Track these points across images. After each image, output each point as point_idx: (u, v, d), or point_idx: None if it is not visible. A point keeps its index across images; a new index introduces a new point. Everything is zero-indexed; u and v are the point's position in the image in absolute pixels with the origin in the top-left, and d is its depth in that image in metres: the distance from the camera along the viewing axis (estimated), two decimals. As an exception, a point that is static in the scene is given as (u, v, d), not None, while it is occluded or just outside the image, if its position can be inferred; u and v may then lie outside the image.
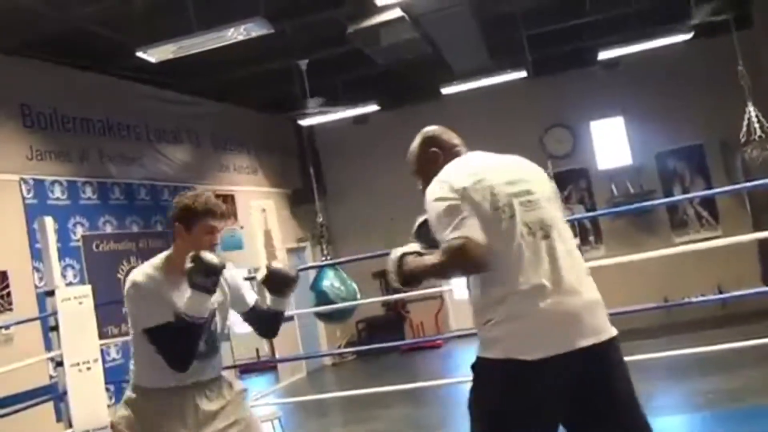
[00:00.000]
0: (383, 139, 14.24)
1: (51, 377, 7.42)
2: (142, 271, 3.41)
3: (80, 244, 8.70)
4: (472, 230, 2.75)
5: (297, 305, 12.81)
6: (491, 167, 3.00)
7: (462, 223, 2.77)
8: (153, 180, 10.19)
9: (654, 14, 10.66)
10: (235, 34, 7.45)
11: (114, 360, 8.73)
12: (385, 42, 9.28)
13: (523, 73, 11.44)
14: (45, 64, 8.53)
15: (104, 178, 9.29)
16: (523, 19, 10.31)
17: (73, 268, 8.43)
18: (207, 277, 3.25)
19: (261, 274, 3.68)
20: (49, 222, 6.42)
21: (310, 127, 13.42)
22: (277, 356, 12.81)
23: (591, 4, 10.02)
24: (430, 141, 3.35)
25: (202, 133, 11.52)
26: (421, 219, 3.30)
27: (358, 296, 8.52)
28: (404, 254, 3.10)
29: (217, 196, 11.00)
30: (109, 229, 9.21)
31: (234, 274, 3.68)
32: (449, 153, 3.27)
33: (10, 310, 7.60)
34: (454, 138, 3.38)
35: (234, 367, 11.39)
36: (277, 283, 3.63)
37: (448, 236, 2.76)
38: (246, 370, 13.23)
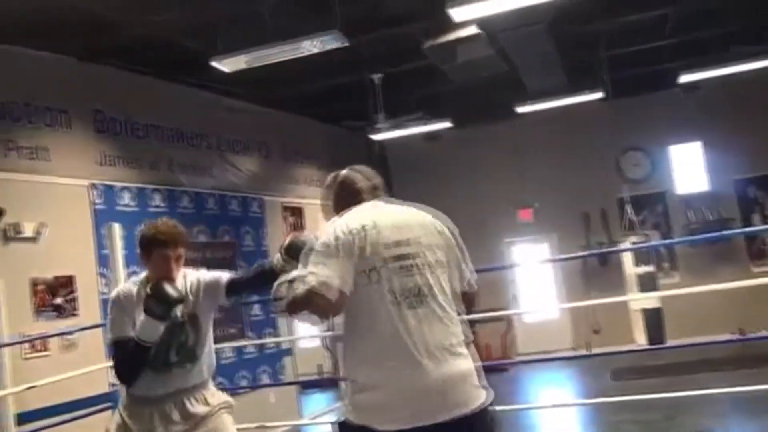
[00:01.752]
0: (454, 156, 14.29)
1: (111, 385, 7.36)
2: (122, 287, 3.83)
3: None
4: (337, 282, 2.77)
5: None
6: (379, 224, 2.91)
7: (328, 269, 2.78)
8: (221, 190, 10.20)
9: (737, 37, 10.42)
10: (310, 46, 7.46)
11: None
12: (461, 58, 9.27)
13: (601, 95, 11.31)
14: (119, 70, 8.59)
15: (173, 186, 9.32)
16: (603, 39, 10.18)
17: (138, 275, 8.42)
18: (159, 305, 3.46)
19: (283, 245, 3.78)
20: (117, 228, 6.40)
21: (382, 143, 13.40)
22: (341, 373, 12.68)
23: (673, 25, 9.82)
24: (343, 183, 3.31)
25: (272, 144, 11.51)
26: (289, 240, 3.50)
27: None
28: (284, 282, 3.03)
29: (285, 207, 11.01)
30: (177, 238, 9.19)
31: (200, 276, 3.86)
32: (354, 198, 3.19)
33: (76, 315, 7.62)
34: (362, 182, 3.28)
35: (296, 383, 11.37)
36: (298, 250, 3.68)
37: (302, 271, 2.82)
38: (307, 386, 13.13)
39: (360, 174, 3.33)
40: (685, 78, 11.04)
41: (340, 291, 2.75)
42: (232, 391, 9.44)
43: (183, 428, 3.64)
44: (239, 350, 9.79)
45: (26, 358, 7.07)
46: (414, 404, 2.69)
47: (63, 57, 7.92)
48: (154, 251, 3.66)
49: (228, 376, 9.55)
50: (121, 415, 3.69)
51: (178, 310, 3.62)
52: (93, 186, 8.13)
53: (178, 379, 3.66)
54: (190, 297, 3.73)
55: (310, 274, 2.77)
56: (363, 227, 2.88)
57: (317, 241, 3.31)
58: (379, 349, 2.76)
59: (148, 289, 3.53)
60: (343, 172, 3.36)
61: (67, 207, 7.83)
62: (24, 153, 7.43)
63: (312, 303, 2.76)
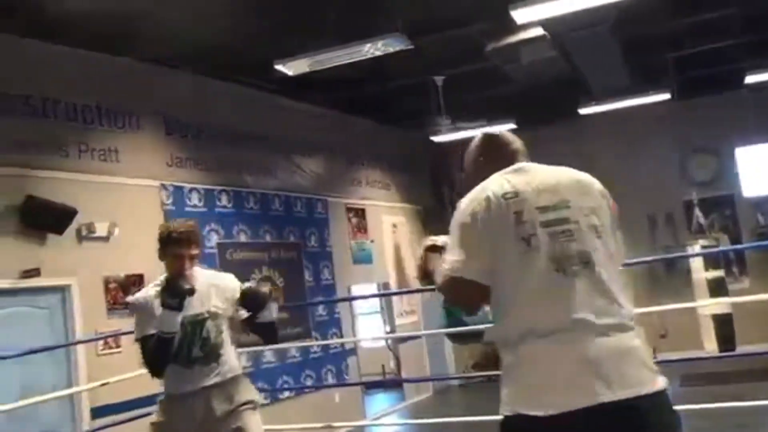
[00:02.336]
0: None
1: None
2: (140, 292, 4.07)
3: (215, 251, 8.92)
4: (471, 266, 2.52)
5: (426, 324, 12.85)
6: (531, 186, 2.61)
7: (465, 254, 2.53)
8: (286, 191, 10.37)
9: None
10: (372, 48, 7.53)
11: (245, 368, 8.86)
12: (525, 60, 9.27)
13: (666, 96, 11.24)
14: (187, 74, 8.80)
15: (240, 188, 9.51)
16: (668, 40, 10.10)
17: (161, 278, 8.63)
18: (173, 298, 3.68)
19: (236, 295, 4.05)
20: None
21: (444, 144, 13.39)
22: (403, 374, 12.85)
23: (740, 25, 9.73)
24: (495, 144, 2.96)
25: (336, 146, 11.65)
26: None
27: (490, 317, 8.41)
28: (430, 247, 2.91)
29: (349, 209, 11.13)
30: (243, 238, 9.39)
31: (236, 287, 4.07)
32: (508, 162, 2.82)
33: None
34: (510, 144, 2.93)
35: (360, 384, 11.47)
36: (251, 303, 3.97)
37: (446, 260, 2.59)
38: (371, 386, 13.25)
39: (510, 135, 2.98)
40: (751, 78, 10.91)
41: (474, 278, 2.53)
42: (298, 390, 9.62)
43: (207, 425, 3.84)
44: (305, 350, 9.92)
45: (99, 355, 7.32)
46: (572, 384, 2.34)
47: (133, 61, 8.17)
48: (168, 249, 3.92)
49: (294, 376, 9.70)
50: (157, 412, 3.99)
51: (201, 308, 3.88)
52: (163, 186, 8.37)
53: (203, 376, 3.86)
54: (214, 297, 3.95)
55: (448, 268, 2.56)
56: (515, 190, 2.57)
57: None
58: (535, 320, 2.44)
59: (162, 285, 3.79)
60: (493, 131, 3.04)
61: (138, 207, 8.05)
62: (96, 155, 7.69)
63: (453, 294, 2.63)
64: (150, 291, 3.95)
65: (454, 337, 9.23)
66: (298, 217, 10.47)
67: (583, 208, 2.59)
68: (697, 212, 12.20)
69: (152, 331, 3.75)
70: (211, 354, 3.90)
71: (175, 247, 3.88)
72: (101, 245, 7.57)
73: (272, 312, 3.98)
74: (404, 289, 12.65)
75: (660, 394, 2.37)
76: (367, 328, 14.40)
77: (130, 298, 4.06)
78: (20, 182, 6.95)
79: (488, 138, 2.97)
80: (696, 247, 12.24)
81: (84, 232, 7.40)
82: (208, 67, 8.91)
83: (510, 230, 2.50)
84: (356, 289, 11.78)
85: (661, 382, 2.38)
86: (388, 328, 13.50)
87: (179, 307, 3.70)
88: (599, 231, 2.56)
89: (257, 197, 9.76)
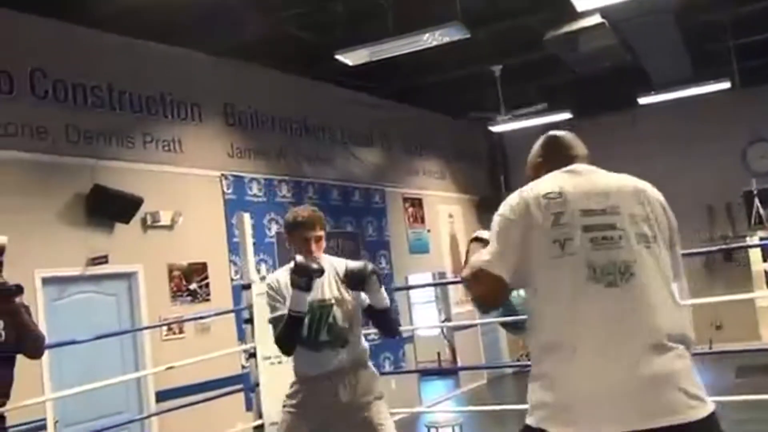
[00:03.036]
0: (575, 148, 14.12)
1: (243, 367, 7.73)
2: (272, 274, 4.18)
3: (274, 240, 9.06)
4: (501, 261, 2.43)
5: (480, 314, 12.90)
6: (579, 188, 2.51)
7: (499, 249, 2.46)
8: (344, 181, 10.51)
9: None
10: (431, 38, 7.57)
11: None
12: (584, 48, 9.24)
13: (727, 84, 11.06)
14: (247, 64, 8.95)
15: (299, 177, 9.67)
16: (731, 27, 10.01)
17: (266, 263, 8.79)
18: (301, 278, 3.75)
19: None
20: (246, 217, 6.66)
21: (501, 135, 13.45)
22: (459, 362, 12.95)
23: (804, 11, 9.59)
24: (556, 145, 2.89)
25: (393, 136, 11.77)
26: None
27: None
28: (475, 239, 2.83)
29: (405, 199, 11.21)
30: (301, 228, 9.49)
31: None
32: (555, 163, 2.73)
33: (208, 300, 8.04)
34: (570, 148, 2.84)
35: (416, 371, 11.59)
36: (352, 279, 3.93)
37: (481, 253, 2.51)
38: (427, 373, 13.38)
39: (573, 139, 2.91)
40: None
41: (501, 274, 2.42)
42: None
43: (333, 410, 3.92)
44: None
45: (164, 340, 7.56)
46: (598, 409, 2.22)
47: (195, 52, 8.35)
48: (295, 233, 4.04)
49: None
50: (289, 393, 4.07)
51: (329, 294, 3.97)
52: (224, 176, 8.56)
53: (330, 360, 3.93)
54: (336, 282, 4.04)
55: (479, 260, 2.49)
56: (561, 191, 2.48)
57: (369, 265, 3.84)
58: (564, 332, 2.33)
59: (292, 267, 3.86)
60: (557, 133, 2.94)
61: (200, 196, 8.26)
62: (160, 145, 7.90)
63: (473, 288, 2.55)
64: (281, 273, 4.08)
65: (508, 326, 9.23)
66: (355, 206, 10.63)
67: (635, 215, 2.45)
68: (757, 203, 12.17)
69: (282, 312, 3.88)
70: (338, 339, 3.98)
71: (301, 230, 4.00)
72: (165, 234, 7.78)
73: (381, 296, 3.98)
74: (460, 279, 12.64)
75: (700, 424, 2.20)
76: (424, 316, 14.52)
77: (266, 281, 4.17)
78: (88, 172, 7.15)
79: (550, 139, 2.90)
80: (755, 239, 12.20)
81: (149, 221, 7.60)
82: (268, 58, 9.03)
83: (546, 231, 2.41)
84: (413, 278, 11.89)
85: (701, 410, 2.22)
86: (443, 317, 13.60)
87: (307, 287, 3.80)
88: (649, 241, 2.42)
89: (316, 187, 9.92)
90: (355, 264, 3.96)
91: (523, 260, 2.41)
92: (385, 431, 3.95)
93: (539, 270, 2.39)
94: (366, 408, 3.97)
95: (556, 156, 2.76)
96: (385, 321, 4.10)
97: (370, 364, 4.14)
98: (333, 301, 4.00)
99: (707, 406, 2.23)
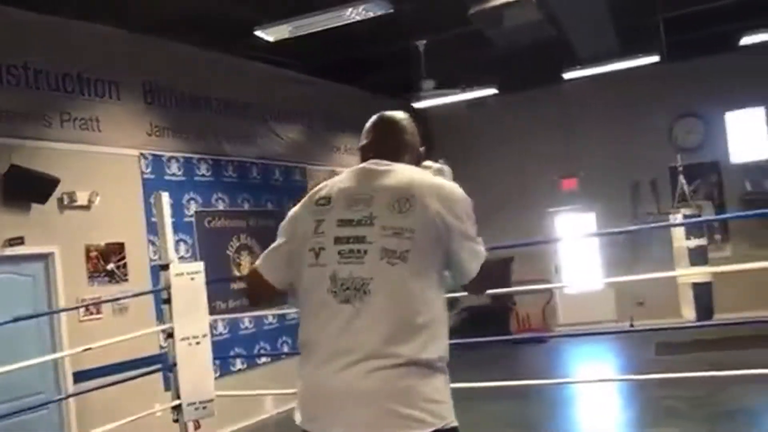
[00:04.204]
0: (499, 124, 14.63)
1: (161, 347, 8.20)
2: None
3: (193, 219, 9.46)
4: (268, 261, 2.80)
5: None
6: (346, 194, 2.70)
7: (272, 249, 2.81)
8: (265, 159, 10.88)
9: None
10: (354, 13, 7.95)
11: (221, 335, 9.56)
12: (508, 23, 9.42)
13: (656, 58, 11.32)
14: (167, 42, 9.25)
15: (219, 156, 10.03)
16: (659, 1, 10.16)
17: (185, 242, 9.24)
18: None
19: None
20: (165, 197, 7.08)
21: (425, 110, 13.53)
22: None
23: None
24: (363, 133, 3.03)
25: (315, 113, 12.16)
26: None
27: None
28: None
29: (328, 177, 11.51)
30: (221, 206, 9.95)
31: None
32: (364, 152, 2.95)
33: (126, 281, 8.45)
34: (368, 138, 2.98)
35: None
36: None
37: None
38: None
39: (368, 126, 3.01)
40: (747, 40, 10.97)
41: (268, 276, 2.79)
42: (251, 361, 10.11)
43: None
44: (259, 320, 10.32)
45: (82, 321, 7.96)
46: (310, 411, 2.57)
47: (114, 29, 8.62)
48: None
49: (247, 347, 10.14)
50: None
51: None
52: (142, 156, 8.92)
53: None
54: None
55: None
56: (330, 197, 2.72)
57: None
58: (306, 338, 2.63)
59: None
60: (381, 116, 3.04)
61: (118, 176, 8.62)
62: (78, 124, 8.22)
63: (246, 285, 2.94)
64: None
65: None
66: (276, 185, 11.00)
67: (387, 228, 2.56)
68: (682, 179, 12.24)
69: None
70: None
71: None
72: (82, 214, 8.12)
73: None
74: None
75: None
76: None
77: None
78: (4, 151, 7.42)
79: (369, 124, 3.01)
80: (678, 216, 12.28)
81: (66, 201, 7.93)
82: (188, 35, 9.28)
83: (308, 238, 2.65)
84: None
85: (418, 428, 2.42)
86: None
87: None
88: (396, 257, 2.52)
89: (236, 165, 10.28)
90: None
91: (289, 263, 2.72)
92: None
93: (302, 273, 2.66)
94: None
95: (365, 146, 2.93)
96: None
97: None
98: None
99: (427, 425, 2.45)
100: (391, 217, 2.57)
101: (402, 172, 2.71)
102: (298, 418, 2.60)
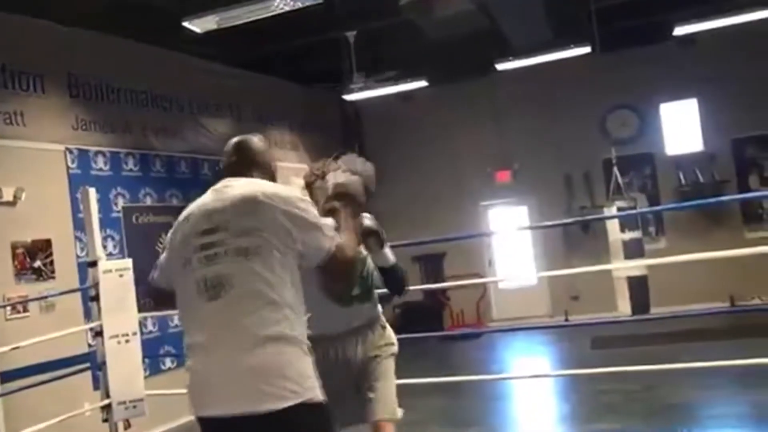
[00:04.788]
0: (430, 116, 14.90)
1: (89, 345, 8.35)
2: None
3: (121, 215, 9.60)
4: (158, 272, 3.47)
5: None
6: (202, 209, 3.27)
7: (159, 260, 3.49)
8: (194, 153, 11.01)
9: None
10: (282, 4, 8.16)
11: (150, 332, 9.71)
12: (440, 13, 9.76)
13: (588, 49, 11.62)
14: (92, 33, 9.35)
15: (146, 150, 10.15)
16: None
17: (113, 239, 9.37)
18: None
19: None
20: (92, 192, 7.16)
21: (356, 103, 14.02)
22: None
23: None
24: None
25: (244, 106, 12.30)
26: None
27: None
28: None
29: None
30: (149, 201, 10.08)
31: None
32: (224, 173, 3.57)
33: (53, 278, 8.55)
34: (225, 160, 3.59)
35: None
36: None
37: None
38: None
39: (225, 150, 3.60)
40: (680, 30, 11.21)
41: (160, 284, 3.48)
42: (182, 359, 10.26)
43: (350, 364, 4.40)
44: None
45: (8, 320, 8.06)
46: (199, 394, 3.11)
47: (37, 20, 8.69)
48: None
49: (177, 346, 10.00)
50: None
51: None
52: (68, 150, 9.03)
53: (356, 315, 4.40)
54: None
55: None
56: (187, 216, 3.32)
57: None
58: (190, 341, 3.16)
59: None
60: (235, 140, 3.65)
61: (44, 171, 8.71)
62: (1, 118, 8.29)
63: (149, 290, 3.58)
64: None
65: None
66: (205, 179, 11.00)
67: (238, 230, 3.10)
68: (616, 171, 12.67)
69: None
70: (368, 294, 4.43)
71: None
72: (7, 210, 8.20)
73: (384, 256, 4.26)
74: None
75: (273, 415, 2.92)
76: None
77: None
78: None
79: (226, 147, 3.62)
80: (613, 209, 12.51)
81: (-10, 197, 8.00)
82: (114, 26, 9.38)
83: (178, 251, 3.26)
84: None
85: (281, 402, 2.92)
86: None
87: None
88: (249, 253, 3.06)
89: (164, 160, 10.42)
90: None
91: (169, 272, 3.36)
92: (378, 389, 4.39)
93: (176, 282, 3.27)
94: (378, 363, 4.44)
95: (223, 167, 3.56)
96: (394, 280, 4.38)
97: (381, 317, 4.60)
98: (365, 253, 4.34)
99: (289, 399, 2.94)
100: (242, 220, 3.11)
101: (249, 184, 3.27)
102: (191, 409, 3.15)
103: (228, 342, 3.01)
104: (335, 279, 3.35)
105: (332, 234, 3.22)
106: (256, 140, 3.59)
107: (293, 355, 3.02)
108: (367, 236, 4.20)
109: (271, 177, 3.48)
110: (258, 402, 2.92)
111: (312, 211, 3.20)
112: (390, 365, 4.53)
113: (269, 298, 3.03)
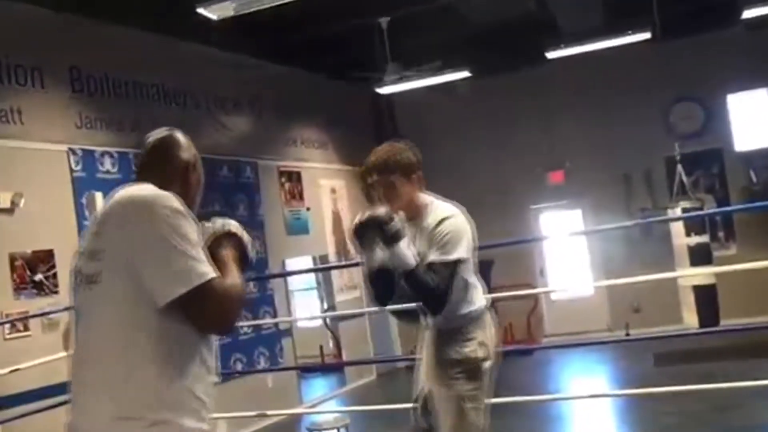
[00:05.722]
0: (473, 111, 14.75)
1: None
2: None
3: None
4: None
5: (369, 301, 13.55)
6: (90, 229, 2.94)
7: None
8: (210, 153, 10.53)
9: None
10: None
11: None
12: None
13: (647, 35, 11.47)
14: (97, 22, 9.26)
15: (159, 150, 10.05)
16: None
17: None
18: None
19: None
20: (99, 197, 7.19)
21: (389, 97, 13.90)
22: (344, 357, 13.58)
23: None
24: None
25: (266, 101, 12.21)
26: None
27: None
28: None
29: (281, 172, 11.63)
30: (160, 207, 9.95)
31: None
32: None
33: (56, 293, 8.44)
34: (144, 162, 3.20)
35: (296, 368, 12.19)
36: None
37: None
38: (308, 369, 14.00)
39: (151, 139, 3.22)
40: (749, 13, 10.95)
41: None
42: (226, 374, 10.30)
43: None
44: (234, 331, 10.46)
45: (7, 339, 7.98)
46: None
47: (37, 8, 8.64)
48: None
49: (222, 359, 10.17)
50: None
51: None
52: (71, 151, 8.94)
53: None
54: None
55: None
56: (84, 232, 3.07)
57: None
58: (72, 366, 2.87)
59: None
60: (149, 138, 3.26)
61: (44, 175, 8.63)
62: None
63: None
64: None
65: (400, 315, 9.84)
66: (223, 182, 11.01)
67: (87, 252, 2.80)
68: (680, 170, 12.28)
69: None
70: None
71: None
72: (5, 218, 8.12)
73: (402, 254, 4.05)
74: (345, 263, 13.16)
75: None
76: (304, 305, 15.05)
77: None
78: None
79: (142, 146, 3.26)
80: (677, 210, 12.18)
81: (-16, 204, 7.94)
82: (121, 15, 9.27)
83: (73, 271, 2.92)
84: (291, 263, 12.39)
85: None
86: (326, 306, 14.17)
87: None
88: (93, 281, 2.74)
89: None
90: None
91: None
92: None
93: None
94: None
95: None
96: (416, 289, 4.14)
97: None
98: None
99: None
100: (91, 240, 2.82)
101: (123, 191, 2.85)
102: None
103: (83, 383, 2.80)
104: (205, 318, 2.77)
105: (196, 266, 2.68)
106: (170, 137, 3.18)
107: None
108: (369, 228, 4.04)
109: (182, 183, 3.08)
110: None
111: (181, 229, 2.70)
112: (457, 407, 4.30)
113: (106, 347, 2.73)
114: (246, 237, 3.12)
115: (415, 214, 4.37)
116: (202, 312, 2.67)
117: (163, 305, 2.62)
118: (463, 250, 4.22)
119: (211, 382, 2.89)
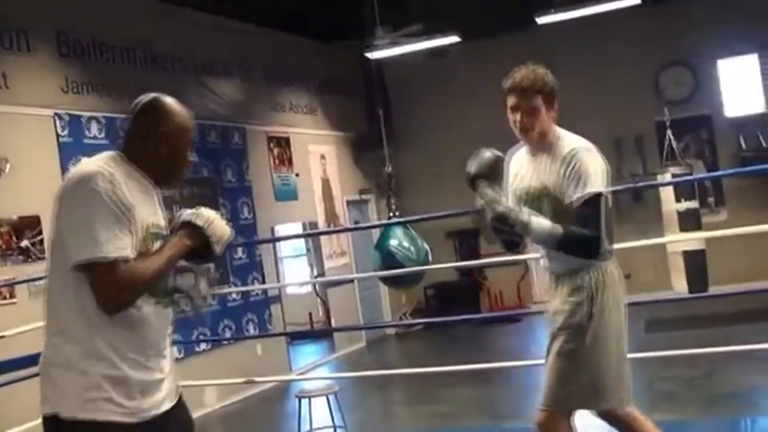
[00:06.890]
0: (464, 75, 14.62)
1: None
2: None
3: None
4: None
5: (358, 267, 13.51)
6: None
7: None
8: (199, 119, 10.58)
9: None
10: None
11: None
12: None
13: (638, 0, 11.42)
14: None
15: (146, 115, 9.94)
16: None
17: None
18: None
19: None
20: None
21: (379, 62, 13.70)
22: (333, 323, 13.54)
23: None
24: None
25: (254, 66, 12.13)
26: None
27: (430, 259, 8.89)
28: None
29: (270, 138, 11.58)
30: (150, 173, 9.86)
31: None
32: None
33: (43, 259, 8.26)
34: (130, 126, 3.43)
35: (285, 334, 12.15)
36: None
37: None
38: (297, 336, 13.96)
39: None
40: None
41: None
42: (215, 342, 10.25)
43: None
44: (222, 298, 10.45)
45: (-8, 306, 7.88)
46: None
47: None
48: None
49: (185, 334, 10.00)
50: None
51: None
52: (57, 116, 8.85)
53: None
54: None
55: None
56: None
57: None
58: None
59: None
60: (140, 100, 3.37)
61: (30, 140, 8.56)
62: None
63: None
64: None
65: (389, 281, 9.79)
66: (211, 148, 10.95)
67: (53, 223, 3.09)
68: (670, 135, 12.34)
69: None
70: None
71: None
72: None
73: (536, 226, 4.11)
74: (333, 228, 13.31)
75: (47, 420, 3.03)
76: (293, 272, 15.07)
77: None
78: None
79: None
80: (667, 176, 12.25)
81: (-31, 170, 7.86)
82: None
83: None
84: (280, 229, 12.41)
85: (43, 409, 3.04)
86: (315, 272, 14.14)
87: None
88: (49, 247, 3.18)
89: None
90: None
91: None
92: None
93: None
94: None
95: None
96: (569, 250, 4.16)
97: None
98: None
99: (50, 405, 3.04)
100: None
101: (75, 166, 3.18)
102: None
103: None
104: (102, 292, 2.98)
105: (101, 246, 2.91)
106: (149, 105, 3.31)
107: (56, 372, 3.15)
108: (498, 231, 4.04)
109: (152, 154, 3.24)
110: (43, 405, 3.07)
111: (93, 206, 2.95)
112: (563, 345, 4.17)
113: (50, 310, 3.21)
114: (214, 230, 3.24)
115: (547, 146, 4.23)
116: (93, 286, 2.92)
117: (71, 269, 2.93)
118: (602, 184, 4.08)
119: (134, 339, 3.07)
